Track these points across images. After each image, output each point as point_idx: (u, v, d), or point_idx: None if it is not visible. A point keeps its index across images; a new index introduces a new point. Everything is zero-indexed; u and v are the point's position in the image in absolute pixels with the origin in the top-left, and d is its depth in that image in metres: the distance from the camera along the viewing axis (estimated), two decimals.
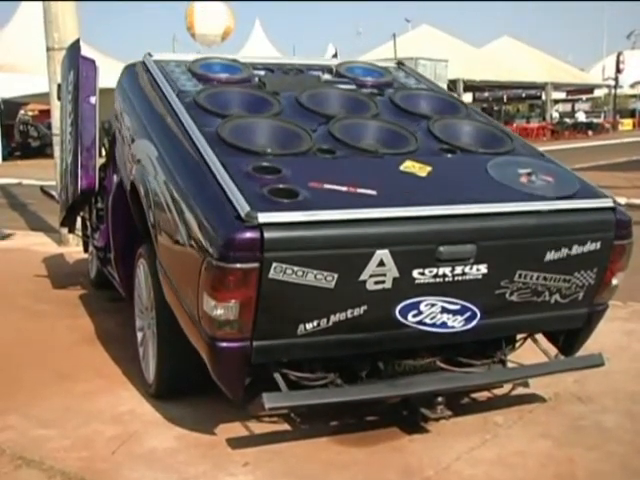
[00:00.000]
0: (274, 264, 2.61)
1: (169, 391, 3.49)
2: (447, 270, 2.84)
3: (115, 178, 4.82)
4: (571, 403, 3.50)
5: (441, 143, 3.49)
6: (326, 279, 2.69)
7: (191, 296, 2.86)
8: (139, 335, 3.82)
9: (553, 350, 3.48)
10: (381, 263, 2.73)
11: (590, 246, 3.04)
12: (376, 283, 2.76)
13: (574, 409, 3.43)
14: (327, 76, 4.30)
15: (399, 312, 2.85)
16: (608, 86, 45.14)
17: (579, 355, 3.44)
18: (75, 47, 5.28)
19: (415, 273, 2.80)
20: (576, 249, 3.02)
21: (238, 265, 2.61)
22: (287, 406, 2.94)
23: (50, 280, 6.21)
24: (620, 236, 3.13)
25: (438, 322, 2.93)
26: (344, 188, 2.89)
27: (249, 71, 4.14)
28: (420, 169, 3.17)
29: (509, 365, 3.45)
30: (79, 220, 6.04)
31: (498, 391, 3.59)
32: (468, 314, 2.97)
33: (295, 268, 2.63)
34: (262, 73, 4.20)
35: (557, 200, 3.08)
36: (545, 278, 3.03)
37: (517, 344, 3.44)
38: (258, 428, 3.21)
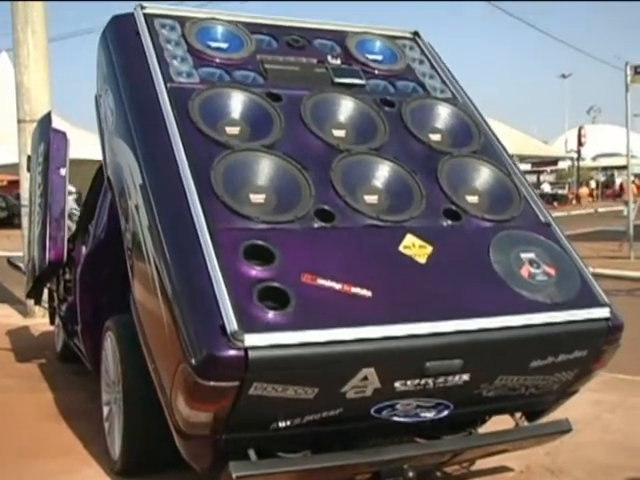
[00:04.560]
0: (255, 383, 2.48)
1: (135, 468, 3.39)
2: (430, 380, 2.76)
3: (84, 249, 4.80)
4: (543, 476, 3.47)
5: (447, 200, 3.20)
6: (306, 393, 2.59)
7: (165, 378, 2.78)
8: (105, 410, 3.72)
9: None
10: (365, 378, 2.63)
11: (577, 353, 2.98)
12: (356, 393, 2.67)
13: None
14: (335, 61, 3.72)
15: (374, 411, 2.80)
16: (571, 158, 46.31)
17: (546, 421, 3.40)
18: (46, 120, 5.33)
19: (397, 384, 2.72)
20: (562, 356, 2.95)
21: (217, 383, 2.48)
22: (256, 474, 2.86)
23: (14, 353, 6.08)
24: (609, 342, 3.03)
25: (411, 414, 2.89)
26: (338, 286, 2.70)
27: (251, 46, 3.62)
28: (420, 250, 2.96)
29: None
30: (46, 292, 5.96)
31: (470, 464, 3.55)
32: (442, 407, 2.93)
33: (276, 386, 2.52)
34: (265, 42, 3.72)
35: (553, 312, 2.89)
36: (525, 379, 2.99)
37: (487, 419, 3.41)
38: None
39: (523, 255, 3.07)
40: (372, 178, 3.20)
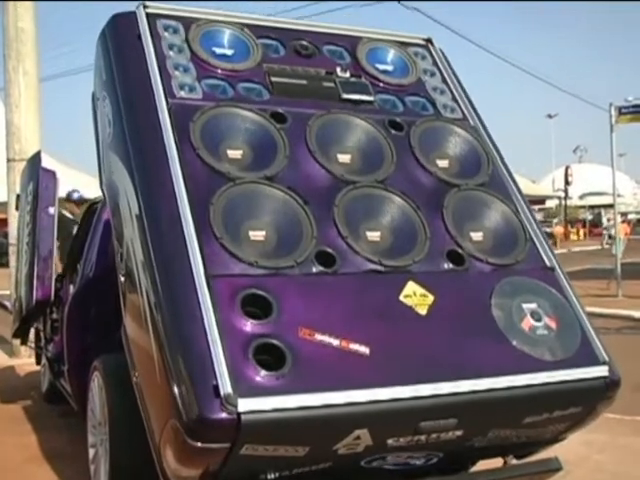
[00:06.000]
0: (246, 445, 2.42)
1: None
2: (422, 437, 2.71)
3: (71, 288, 4.78)
4: None
5: (451, 240, 3.09)
6: (297, 451, 2.55)
7: (155, 426, 2.72)
8: (91, 452, 3.67)
9: None
10: (357, 437, 2.57)
11: (573, 409, 2.95)
12: (348, 449, 2.62)
13: None
14: (344, 73, 3.54)
15: (364, 462, 2.76)
16: (559, 197, 46.74)
17: (535, 459, 3.34)
18: (36, 159, 5.34)
19: (390, 441, 2.67)
20: (557, 412, 2.92)
21: (207, 445, 2.42)
22: None
23: None
24: (606, 398, 2.97)
25: (401, 463, 2.85)
26: (336, 342, 2.60)
27: (257, 54, 3.44)
28: (421, 299, 2.86)
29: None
30: (32, 331, 5.91)
31: None
32: (432, 456, 2.90)
33: (268, 446, 2.46)
34: (272, 48, 3.54)
35: (551, 371, 2.82)
36: (518, 432, 2.96)
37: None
38: None
39: (525, 306, 3.00)
40: (376, 215, 3.08)
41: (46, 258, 4.85)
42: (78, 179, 15.16)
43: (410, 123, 3.45)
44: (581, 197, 51.84)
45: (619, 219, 16.63)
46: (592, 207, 50.17)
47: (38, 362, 6.05)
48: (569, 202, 46.35)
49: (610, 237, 32.93)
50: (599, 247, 31.64)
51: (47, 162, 5.54)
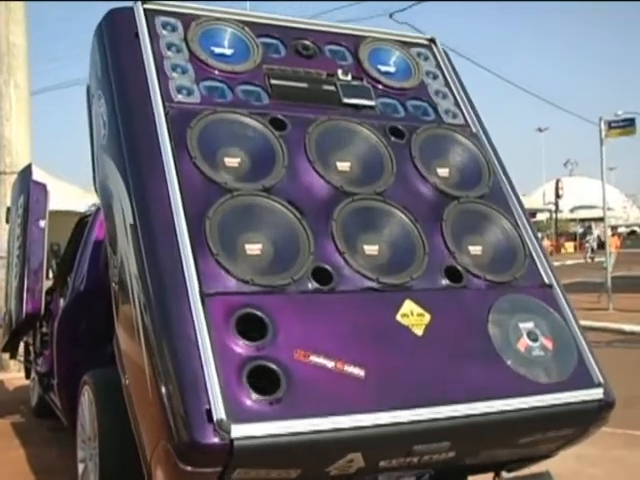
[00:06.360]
0: (238, 469, 2.39)
1: None
2: (415, 458, 2.69)
3: (62, 302, 4.75)
4: None
5: (450, 256, 3.05)
6: (289, 474, 2.52)
7: (146, 444, 2.69)
8: (80, 467, 3.63)
9: None
10: (350, 460, 2.55)
11: (566, 431, 2.95)
12: (340, 471, 2.60)
13: None
14: (345, 76, 3.45)
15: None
16: (549, 210, 46.94)
17: (527, 473, 3.30)
18: (27, 172, 5.33)
19: (382, 463, 2.66)
20: (550, 433, 2.92)
21: (199, 469, 2.38)
22: None
23: None
24: (600, 419, 2.96)
25: (392, 479, 2.84)
26: (331, 364, 2.55)
27: (257, 55, 3.34)
28: (418, 319, 2.82)
29: None
30: (22, 345, 5.87)
31: None
32: (423, 474, 2.89)
33: (260, 470, 2.45)
34: (272, 47, 3.44)
35: (546, 394, 2.80)
36: (509, 451, 2.96)
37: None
38: None
39: (522, 325, 2.97)
40: (375, 228, 3.03)
41: (36, 271, 4.83)
42: (69, 191, 15.13)
43: (411, 130, 3.38)
44: (572, 210, 52.09)
45: (609, 232, 16.70)
46: (583, 220, 50.38)
47: (27, 376, 6.00)
48: (560, 215, 46.56)
49: (593, 250, 33.24)
50: (582, 260, 31.71)
51: (38, 175, 5.53)
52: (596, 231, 41.61)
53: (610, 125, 13.85)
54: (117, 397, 3.02)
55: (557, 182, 44.00)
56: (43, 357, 5.07)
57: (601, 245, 26.29)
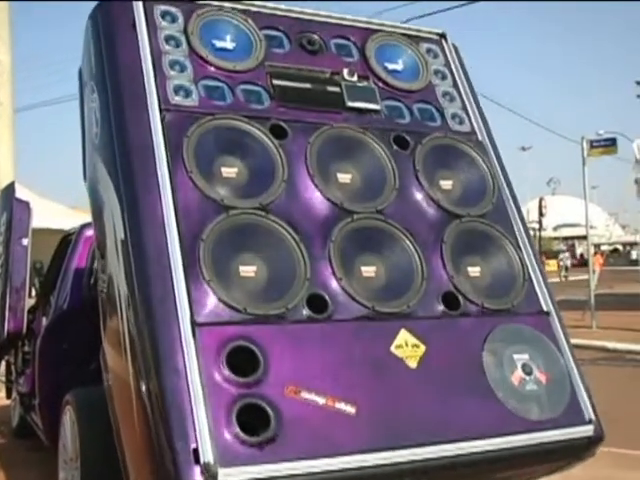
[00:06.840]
0: None
1: None
2: None
3: (44, 321, 4.71)
4: None
5: (448, 281, 2.99)
6: None
7: (131, 471, 2.64)
8: None
9: None
10: None
11: (554, 464, 2.97)
12: None
13: None
14: (351, 76, 3.32)
15: None
16: (533, 229, 47.19)
17: None
18: (10, 190, 5.29)
19: None
20: (536, 467, 2.93)
21: None
22: None
23: None
24: (587, 454, 2.98)
25: None
26: (322, 401, 2.50)
27: (260, 51, 3.19)
28: (412, 350, 2.77)
29: None
30: (3, 364, 5.82)
31: None
32: None
33: None
34: (276, 41, 3.29)
35: (536, 432, 2.78)
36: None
37: None
38: None
39: (517, 356, 2.92)
40: (373, 251, 2.95)
41: (19, 289, 4.78)
42: (53, 209, 15.05)
43: (416, 140, 3.28)
44: (555, 229, 52.44)
45: (592, 250, 16.83)
46: (566, 238, 50.76)
47: (9, 396, 5.94)
48: (543, 233, 46.81)
49: (567, 269, 33.28)
50: (557, 279, 31.81)
51: (21, 193, 5.50)
52: (579, 249, 41.96)
53: (592, 144, 13.99)
54: (99, 417, 3.00)
55: (540, 200, 44.19)
56: (25, 376, 5.01)
57: (584, 263, 26.42)
